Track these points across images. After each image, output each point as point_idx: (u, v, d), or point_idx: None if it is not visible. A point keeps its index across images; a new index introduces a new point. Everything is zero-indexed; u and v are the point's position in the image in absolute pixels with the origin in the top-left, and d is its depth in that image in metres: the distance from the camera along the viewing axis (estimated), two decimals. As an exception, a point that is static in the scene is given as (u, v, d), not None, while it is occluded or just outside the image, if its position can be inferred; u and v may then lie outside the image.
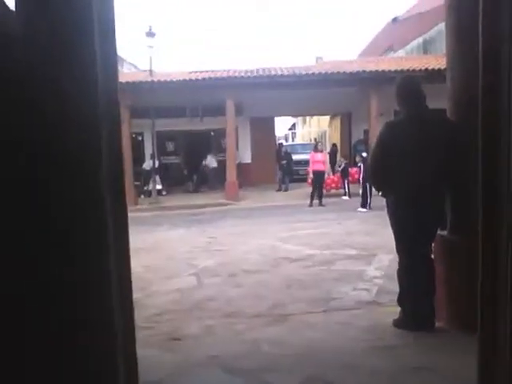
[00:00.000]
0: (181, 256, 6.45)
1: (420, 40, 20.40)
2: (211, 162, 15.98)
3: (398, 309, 3.21)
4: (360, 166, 11.44)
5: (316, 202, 12.04)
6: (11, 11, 1.43)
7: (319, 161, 12.54)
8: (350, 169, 13.51)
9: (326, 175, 13.60)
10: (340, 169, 13.57)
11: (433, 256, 3.19)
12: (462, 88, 3.04)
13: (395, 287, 3.27)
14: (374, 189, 10.49)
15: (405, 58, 18.18)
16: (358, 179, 12.01)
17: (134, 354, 1.61)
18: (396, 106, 3.33)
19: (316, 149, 13.03)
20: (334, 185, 14.02)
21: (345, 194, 13.38)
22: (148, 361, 2.65)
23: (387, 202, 3.21)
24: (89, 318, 1.35)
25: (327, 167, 13.58)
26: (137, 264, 5.55)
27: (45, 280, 1.28)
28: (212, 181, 15.87)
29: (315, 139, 24.01)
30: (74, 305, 1.33)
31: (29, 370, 1.25)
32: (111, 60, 1.55)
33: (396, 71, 13.58)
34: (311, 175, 12.58)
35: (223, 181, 14.72)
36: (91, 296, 1.36)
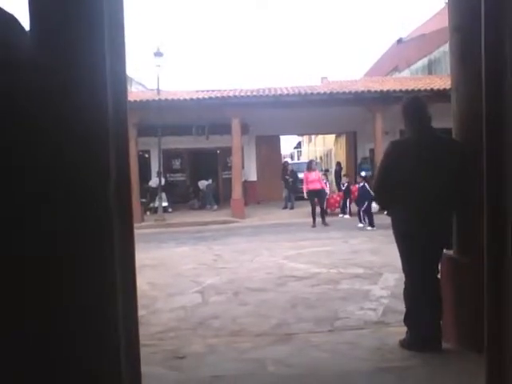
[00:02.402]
0: (186, 273, 6.44)
1: (425, 61, 20.59)
2: (202, 184, 16.36)
3: (405, 329, 3.17)
4: (363, 185, 11.38)
5: (319, 221, 11.90)
6: (26, 32, 1.47)
7: (314, 180, 12.19)
8: (352, 187, 13.47)
9: (327, 194, 13.49)
10: (344, 188, 13.52)
11: (439, 276, 3.17)
12: (466, 109, 3.06)
13: (402, 307, 3.24)
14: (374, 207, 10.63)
15: (409, 78, 18.33)
16: (355, 199, 12.01)
17: (138, 372, 1.59)
18: (401, 126, 3.36)
19: (310, 168, 12.51)
20: (337, 204, 13.95)
21: (345, 213, 13.31)
22: (151, 379, 2.62)
23: (393, 220, 3.20)
24: (92, 336, 1.35)
25: (325, 185, 13.31)
26: (142, 281, 5.54)
27: (48, 297, 1.28)
28: (206, 198, 16.24)
29: (321, 158, 24.02)
30: (78, 321, 1.34)
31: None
32: (121, 79, 1.58)
33: (401, 91, 13.69)
34: (305, 196, 12.25)
35: (217, 197, 16.39)
36: (96, 313, 1.36)
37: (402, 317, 3.21)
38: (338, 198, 14.02)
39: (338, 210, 13.80)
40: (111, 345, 1.36)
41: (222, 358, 3.18)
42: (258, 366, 3.01)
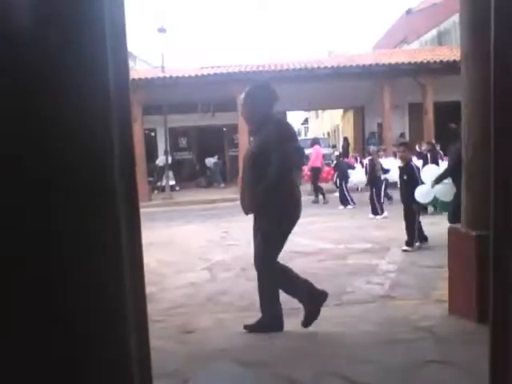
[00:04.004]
0: (194, 250, 6.50)
1: (434, 32, 20.10)
2: (209, 162, 16.36)
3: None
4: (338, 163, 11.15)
5: (320, 197, 11.66)
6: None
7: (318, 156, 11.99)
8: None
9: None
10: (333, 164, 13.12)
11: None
12: (477, 81, 3.00)
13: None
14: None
15: (419, 50, 17.94)
16: (332, 179, 11.70)
17: (147, 346, 1.63)
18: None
19: (319, 144, 12.44)
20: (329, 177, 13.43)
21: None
22: (161, 353, 2.68)
23: (280, 205, 3.01)
24: (102, 312, 1.37)
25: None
26: (151, 259, 5.61)
27: (50, 276, 1.30)
28: (213, 176, 16.29)
29: (329, 134, 23.67)
30: (86, 298, 1.36)
31: (38, 363, 1.28)
32: (122, 56, 1.56)
33: (410, 63, 13.42)
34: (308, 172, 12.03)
35: (224, 175, 16.58)
36: (104, 290, 1.38)
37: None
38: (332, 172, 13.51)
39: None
40: (119, 320, 1.38)
41: (231, 332, 3.23)
42: (266, 339, 3.06)
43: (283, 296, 4.10)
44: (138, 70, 17.59)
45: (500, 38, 1.68)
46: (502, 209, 1.40)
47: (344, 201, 10.55)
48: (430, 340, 2.89)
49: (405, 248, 5.56)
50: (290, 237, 7.59)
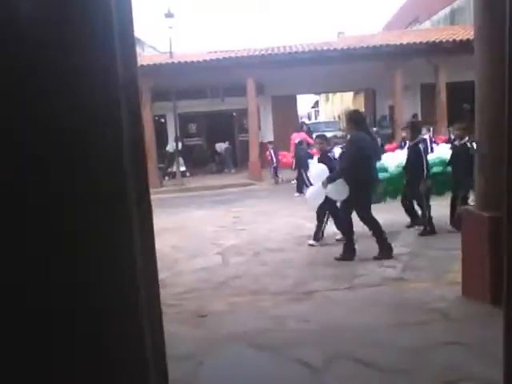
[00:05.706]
0: (206, 236, 6.55)
1: (447, 10, 19.60)
2: (219, 147, 16.40)
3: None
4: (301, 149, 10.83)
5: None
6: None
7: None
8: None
9: None
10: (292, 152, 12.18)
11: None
12: (491, 61, 2.93)
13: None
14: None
15: (431, 30, 17.55)
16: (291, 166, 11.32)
17: (161, 330, 1.65)
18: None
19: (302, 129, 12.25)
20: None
21: None
22: (175, 336, 2.73)
23: None
24: (114, 298, 1.39)
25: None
26: (164, 244, 5.67)
27: (67, 267, 1.32)
28: (224, 161, 16.34)
29: (339, 117, 23.29)
30: (98, 285, 1.37)
31: (53, 346, 1.31)
32: (129, 42, 1.55)
33: (421, 43, 13.14)
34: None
35: (235, 160, 16.61)
36: (116, 276, 1.40)
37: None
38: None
39: None
40: (132, 305, 1.40)
41: (243, 315, 3.27)
42: (279, 322, 3.09)
43: (301, 278, 4.14)
44: (146, 55, 17.50)
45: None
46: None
47: (300, 188, 10.22)
48: (443, 322, 2.90)
49: (338, 237, 5.53)
50: (302, 221, 7.56)
